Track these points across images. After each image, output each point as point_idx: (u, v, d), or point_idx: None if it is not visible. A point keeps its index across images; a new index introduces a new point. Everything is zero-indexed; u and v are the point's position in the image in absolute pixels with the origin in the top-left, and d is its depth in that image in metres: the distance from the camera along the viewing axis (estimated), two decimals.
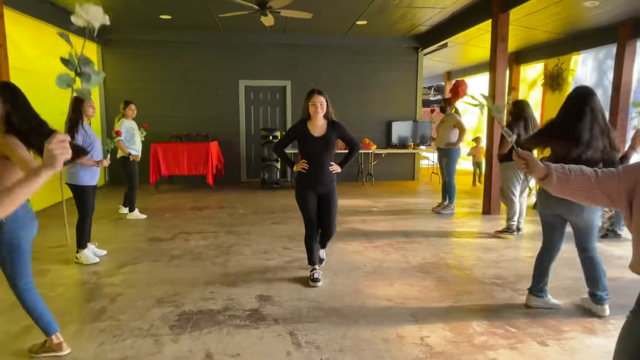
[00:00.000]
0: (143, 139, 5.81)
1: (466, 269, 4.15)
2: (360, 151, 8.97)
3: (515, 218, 5.23)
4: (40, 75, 6.46)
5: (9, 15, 5.53)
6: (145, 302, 3.31)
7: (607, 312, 3.08)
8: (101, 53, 8.68)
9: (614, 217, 5.31)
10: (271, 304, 3.31)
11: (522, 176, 5.18)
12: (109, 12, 1.36)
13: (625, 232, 5.27)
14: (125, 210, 6.16)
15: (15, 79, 5.47)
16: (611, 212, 5.58)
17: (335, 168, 3.63)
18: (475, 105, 1.83)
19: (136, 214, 6.07)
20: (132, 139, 5.80)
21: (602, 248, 4.79)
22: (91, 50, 8.35)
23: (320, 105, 3.47)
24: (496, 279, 3.85)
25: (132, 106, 5.90)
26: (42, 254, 4.41)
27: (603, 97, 7.30)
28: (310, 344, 2.71)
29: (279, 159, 3.70)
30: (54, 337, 2.47)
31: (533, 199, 6.77)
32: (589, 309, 3.19)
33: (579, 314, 3.18)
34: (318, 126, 3.57)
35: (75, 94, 1.35)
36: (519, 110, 5.00)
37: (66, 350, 2.51)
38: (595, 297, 3.13)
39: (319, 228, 3.79)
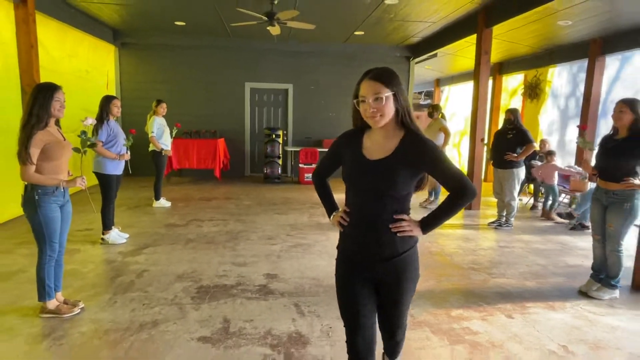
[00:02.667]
0: (174, 135, 5.97)
1: (447, 255, 4.41)
2: None
3: (512, 216, 5.57)
4: (63, 75, 6.64)
5: (39, 19, 5.71)
6: (168, 278, 3.55)
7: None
8: (118, 55, 8.85)
9: (578, 212, 5.62)
10: (277, 280, 3.56)
11: (520, 181, 5.51)
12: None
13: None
14: (159, 203, 6.31)
15: (43, 78, 5.70)
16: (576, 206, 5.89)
17: (405, 228, 1.62)
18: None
19: (162, 202, 6.33)
20: (163, 135, 6.04)
21: (568, 240, 5.12)
22: (109, 52, 8.54)
23: (376, 101, 1.55)
24: (473, 264, 4.12)
25: (164, 105, 6.14)
26: (71, 236, 4.60)
27: (575, 107, 7.62)
28: (312, 313, 2.98)
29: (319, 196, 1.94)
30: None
31: (530, 201, 7.12)
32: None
33: (543, 295, 3.44)
34: (379, 142, 1.65)
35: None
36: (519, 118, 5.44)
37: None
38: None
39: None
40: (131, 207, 6.22)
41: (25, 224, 4.98)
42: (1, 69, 5.16)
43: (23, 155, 2.53)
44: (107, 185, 4.41)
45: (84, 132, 3.00)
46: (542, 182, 6.39)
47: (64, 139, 2.80)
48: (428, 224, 1.66)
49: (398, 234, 1.62)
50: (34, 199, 2.64)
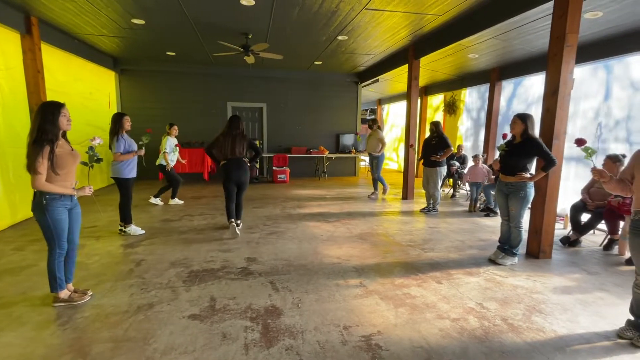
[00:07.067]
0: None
1: (390, 236, 4.40)
2: (316, 155, 9.28)
3: (438, 203, 5.67)
4: (70, 96, 6.14)
5: (44, 48, 5.23)
6: (163, 265, 3.32)
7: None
8: (118, 79, 8.29)
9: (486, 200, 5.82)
10: (256, 263, 3.41)
11: (442, 177, 5.61)
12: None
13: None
14: (154, 200, 6.05)
15: (50, 99, 5.20)
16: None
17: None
18: (587, 153, 2.34)
19: (176, 200, 6.12)
20: (174, 152, 5.82)
21: (479, 220, 5.28)
22: (110, 77, 7.98)
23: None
24: (410, 242, 4.14)
25: (175, 127, 5.88)
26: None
27: (484, 118, 7.89)
28: (285, 289, 2.86)
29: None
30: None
31: (450, 192, 7.24)
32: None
33: (462, 263, 3.50)
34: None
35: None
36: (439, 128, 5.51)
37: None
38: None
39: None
40: (133, 206, 5.79)
41: (34, 223, 4.55)
42: (9, 92, 4.66)
43: (33, 166, 2.26)
44: (125, 187, 4.12)
45: (91, 148, 2.71)
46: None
47: (72, 150, 2.52)
48: (253, 161, 4.29)
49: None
50: (42, 203, 2.34)
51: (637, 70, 4.73)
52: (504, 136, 3.57)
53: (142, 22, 5.20)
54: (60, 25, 5.42)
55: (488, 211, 5.66)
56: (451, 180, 7.55)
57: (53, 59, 5.66)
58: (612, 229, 3.95)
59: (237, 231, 4.16)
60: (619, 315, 2.51)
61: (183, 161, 6.29)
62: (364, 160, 11.68)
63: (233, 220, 4.22)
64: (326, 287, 2.90)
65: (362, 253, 3.74)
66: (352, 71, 9.15)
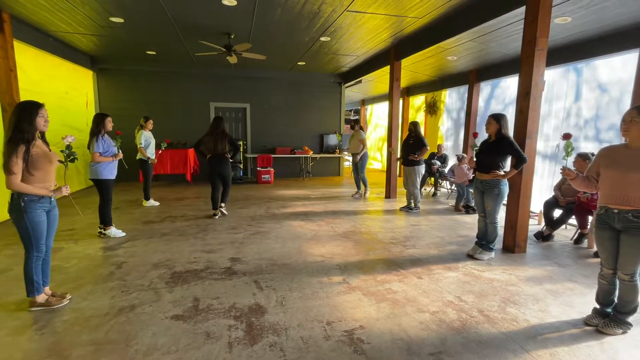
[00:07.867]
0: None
1: (373, 234, 4.48)
2: (300, 155, 9.31)
3: (419, 201, 5.79)
4: (44, 95, 5.95)
5: (18, 46, 5.06)
6: (145, 267, 3.28)
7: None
8: (96, 78, 8.07)
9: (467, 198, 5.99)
10: (240, 263, 3.41)
11: (420, 175, 5.72)
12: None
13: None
14: (148, 203, 5.95)
15: (23, 98, 5.04)
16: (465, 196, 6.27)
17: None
18: (567, 150, 2.39)
19: (151, 202, 5.95)
20: (149, 146, 5.70)
21: (459, 217, 5.43)
22: (87, 76, 7.76)
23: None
24: (392, 240, 4.23)
25: (151, 121, 5.76)
26: (56, 236, 4.08)
27: (464, 118, 8.09)
28: (269, 288, 2.88)
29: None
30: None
31: (432, 190, 7.38)
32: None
33: (442, 259, 3.61)
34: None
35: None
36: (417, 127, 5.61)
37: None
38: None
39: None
40: (112, 208, 5.67)
41: (9, 227, 4.41)
42: None
43: (8, 166, 2.20)
44: (105, 188, 4.06)
45: (68, 147, 2.64)
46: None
47: (50, 151, 2.47)
48: (234, 157, 5.04)
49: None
50: (20, 205, 2.29)
51: (604, 73, 4.99)
52: (475, 135, 3.72)
53: (120, 20, 5.10)
54: (34, 23, 5.25)
55: (468, 208, 5.83)
56: (432, 179, 7.73)
57: (27, 57, 5.47)
58: (582, 224, 4.15)
59: (224, 211, 5.17)
60: (587, 304, 2.66)
61: (154, 160, 5.94)
62: (348, 160, 11.78)
63: (216, 210, 5.13)
64: (310, 284, 2.93)
65: (345, 251, 3.79)
66: (335, 72, 9.22)
